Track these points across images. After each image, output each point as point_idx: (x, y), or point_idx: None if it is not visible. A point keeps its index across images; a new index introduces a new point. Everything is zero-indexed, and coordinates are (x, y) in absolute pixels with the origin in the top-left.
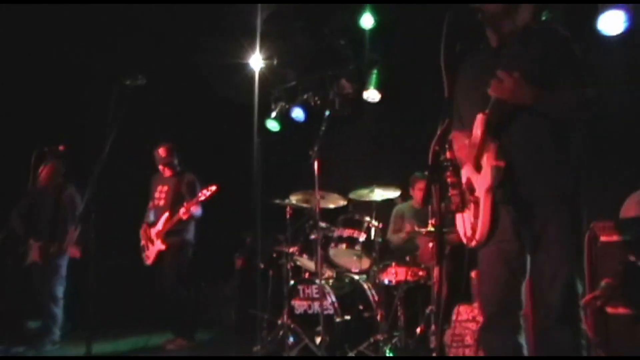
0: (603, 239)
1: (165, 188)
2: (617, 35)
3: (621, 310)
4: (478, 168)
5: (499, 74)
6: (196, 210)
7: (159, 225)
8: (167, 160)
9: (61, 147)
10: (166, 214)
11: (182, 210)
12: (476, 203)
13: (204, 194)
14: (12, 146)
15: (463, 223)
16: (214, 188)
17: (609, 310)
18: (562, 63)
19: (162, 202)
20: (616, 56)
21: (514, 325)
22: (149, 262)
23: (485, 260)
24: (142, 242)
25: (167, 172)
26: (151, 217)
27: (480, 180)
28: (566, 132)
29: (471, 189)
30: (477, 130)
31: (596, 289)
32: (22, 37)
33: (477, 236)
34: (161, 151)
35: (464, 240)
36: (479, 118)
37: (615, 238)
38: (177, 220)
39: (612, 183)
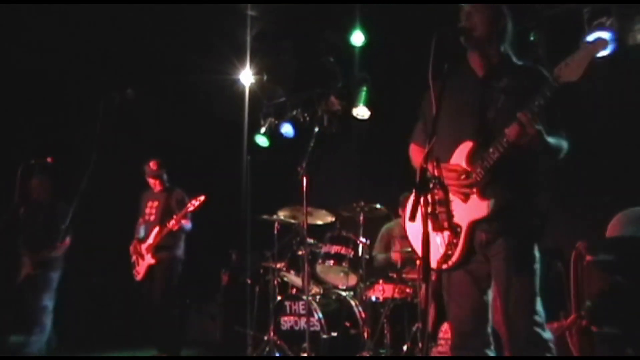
0: (589, 258)
1: (156, 203)
2: (603, 58)
3: (606, 329)
4: (464, 196)
5: (521, 118)
6: (186, 223)
7: (150, 240)
8: (158, 172)
9: (49, 160)
10: (156, 228)
11: (172, 222)
12: (454, 229)
13: (193, 204)
14: None
15: (437, 243)
16: (202, 198)
17: (595, 329)
18: (546, 108)
19: (152, 218)
20: (602, 79)
21: (483, 341)
22: (139, 277)
23: (455, 281)
24: (133, 258)
25: (158, 187)
26: (141, 232)
27: (465, 209)
28: (536, 173)
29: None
30: (462, 158)
31: (581, 308)
32: (9, 49)
33: (454, 259)
34: (152, 164)
35: (432, 262)
36: (467, 146)
37: (600, 257)
38: (168, 233)
39: (598, 203)
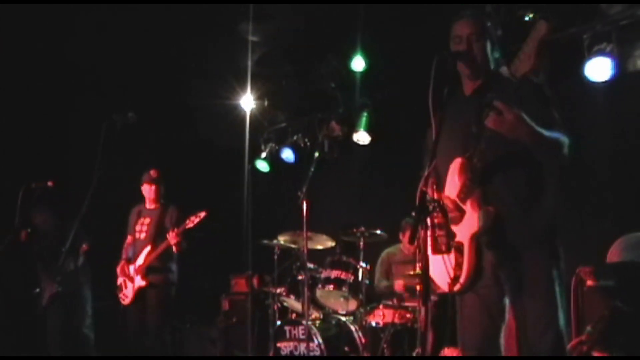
0: (589, 283)
1: (147, 220)
2: (604, 83)
3: (607, 355)
4: (460, 213)
5: (498, 105)
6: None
7: (140, 260)
8: (157, 179)
9: (50, 183)
10: (148, 248)
11: (172, 234)
12: (457, 249)
13: (192, 220)
14: None
15: (445, 266)
16: (203, 214)
17: (596, 354)
18: (535, 107)
19: (143, 235)
20: (602, 103)
21: None
22: (126, 301)
23: (466, 305)
24: (119, 281)
25: (152, 199)
26: (130, 252)
27: (464, 225)
28: (541, 179)
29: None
30: (454, 175)
31: (582, 334)
32: (10, 70)
33: (462, 280)
34: (152, 172)
35: (443, 286)
36: (457, 162)
37: (601, 283)
38: (162, 251)
39: (598, 228)
